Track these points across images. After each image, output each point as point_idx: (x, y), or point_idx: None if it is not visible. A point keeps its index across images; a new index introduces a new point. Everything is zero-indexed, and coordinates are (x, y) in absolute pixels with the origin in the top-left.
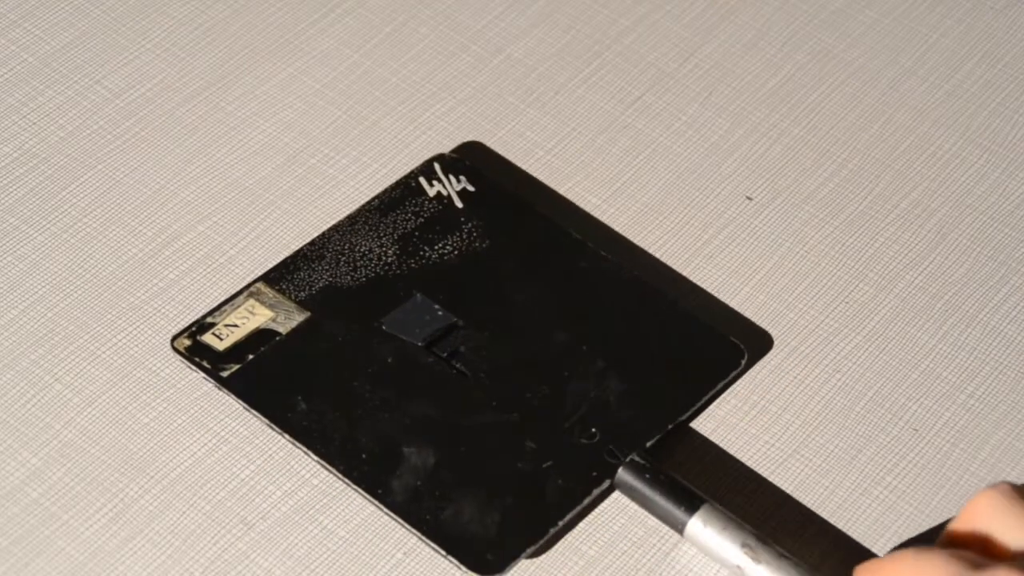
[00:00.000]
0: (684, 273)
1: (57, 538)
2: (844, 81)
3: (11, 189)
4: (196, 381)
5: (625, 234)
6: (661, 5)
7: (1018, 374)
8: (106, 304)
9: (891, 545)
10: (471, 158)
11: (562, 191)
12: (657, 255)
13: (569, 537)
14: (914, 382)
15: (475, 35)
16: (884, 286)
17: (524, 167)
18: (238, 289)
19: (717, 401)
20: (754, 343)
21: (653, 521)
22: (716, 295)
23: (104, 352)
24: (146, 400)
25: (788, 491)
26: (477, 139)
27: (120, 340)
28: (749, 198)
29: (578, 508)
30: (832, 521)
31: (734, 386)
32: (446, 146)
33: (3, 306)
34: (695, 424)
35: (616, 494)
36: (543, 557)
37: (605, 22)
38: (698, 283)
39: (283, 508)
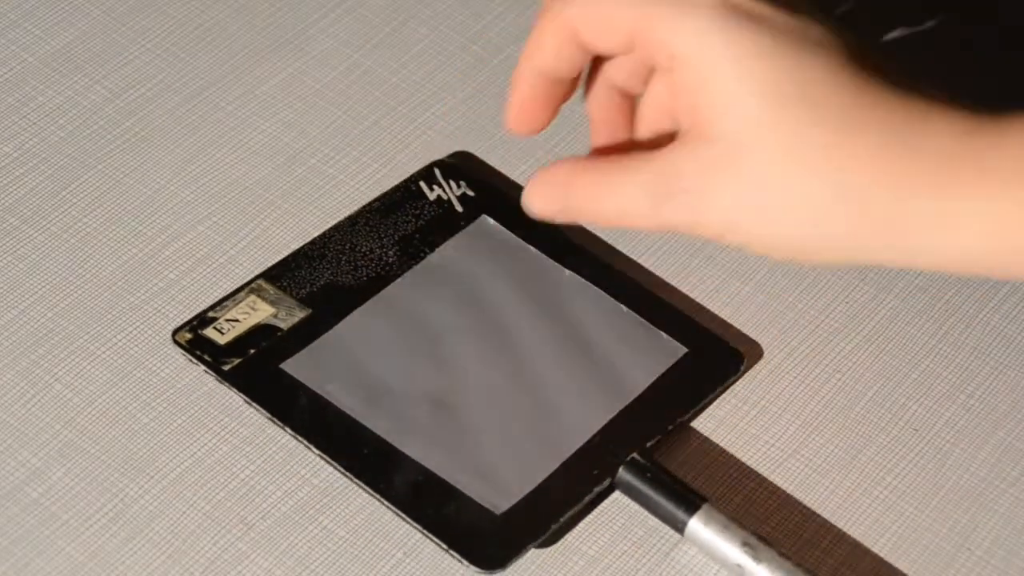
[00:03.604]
0: (684, 273)
1: (57, 538)
2: None
3: (11, 189)
4: (196, 381)
5: (625, 234)
6: None
7: (1018, 374)
8: (106, 304)
9: (891, 545)
10: (469, 162)
11: None
12: (657, 255)
13: (569, 536)
14: (914, 382)
15: (475, 35)
16: (884, 286)
17: (524, 168)
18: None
19: (717, 401)
20: (761, 342)
21: (654, 521)
22: (716, 295)
23: (104, 352)
24: (146, 400)
25: (788, 491)
26: (477, 140)
27: (120, 340)
28: None
29: (579, 506)
30: (832, 522)
31: (734, 386)
32: (446, 146)
33: (3, 306)
34: (695, 424)
35: (617, 493)
36: (544, 555)
37: None
38: (697, 283)
39: (283, 508)
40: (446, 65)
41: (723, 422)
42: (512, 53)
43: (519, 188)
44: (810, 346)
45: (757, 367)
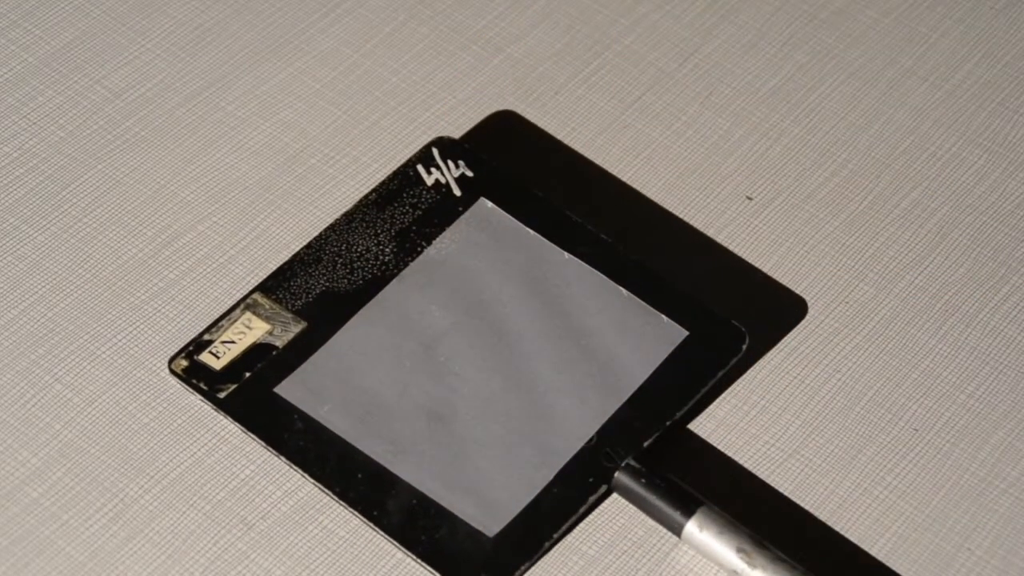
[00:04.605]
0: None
1: (57, 538)
2: (844, 81)
3: (11, 189)
4: None
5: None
6: (661, 5)
7: (1018, 374)
8: (106, 304)
9: (891, 545)
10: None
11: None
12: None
13: (569, 537)
14: (914, 382)
15: (475, 35)
16: (884, 286)
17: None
18: (236, 293)
19: (716, 401)
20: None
21: (653, 521)
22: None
23: (104, 352)
24: (146, 400)
25: (787, 492)
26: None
27: (120, 340)
28: (749, 198)
29: (574, 518)
30: (831, 522)
31: (734, 386)
32: None
33: (3, 306)
34: (694, 425)
35: (616, 494)
36: (544, 555)
37: (605, 22)
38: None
39: (283, 508)
40: (446, 65)
41: (723, 422)
42: (512, 53)
43: (519, 169)
44: (810, 346)
45: (757, 367)
